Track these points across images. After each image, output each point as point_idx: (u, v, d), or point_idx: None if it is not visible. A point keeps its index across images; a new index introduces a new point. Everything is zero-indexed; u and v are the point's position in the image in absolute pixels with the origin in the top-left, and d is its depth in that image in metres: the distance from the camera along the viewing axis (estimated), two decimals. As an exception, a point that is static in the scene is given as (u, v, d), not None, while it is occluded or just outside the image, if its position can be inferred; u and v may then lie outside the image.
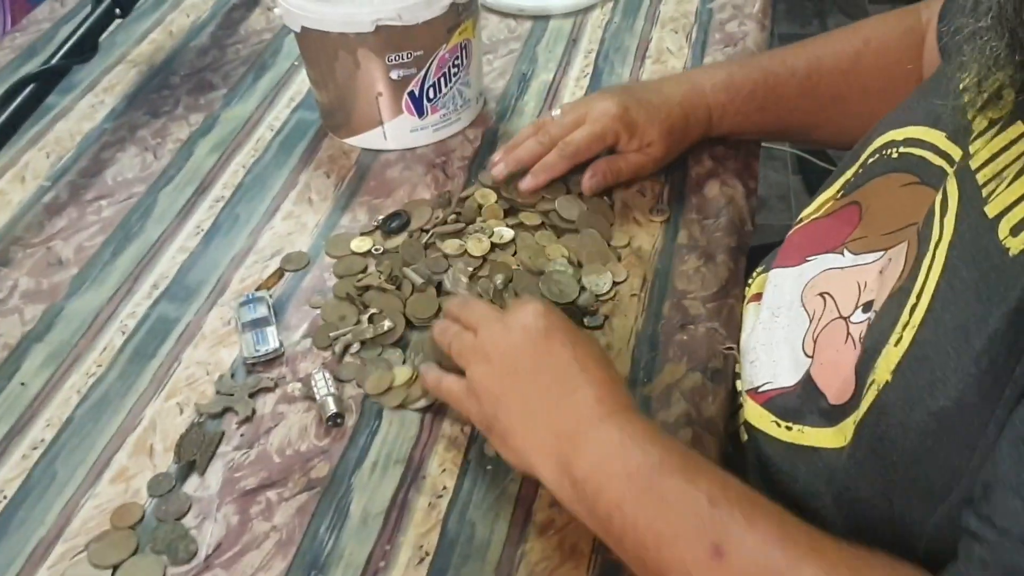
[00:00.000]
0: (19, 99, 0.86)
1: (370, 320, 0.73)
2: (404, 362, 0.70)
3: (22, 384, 0.72)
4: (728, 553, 0.48)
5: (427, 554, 0.59)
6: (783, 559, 0.47)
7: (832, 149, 0.90)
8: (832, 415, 0.57)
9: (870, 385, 0.52)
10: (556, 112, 0.82)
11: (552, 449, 0.55)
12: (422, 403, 0.68)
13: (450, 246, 0.78)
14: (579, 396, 0.56)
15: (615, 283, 0.76)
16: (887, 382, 0.51)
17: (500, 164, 0.82)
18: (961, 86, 0.59)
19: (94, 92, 1.03)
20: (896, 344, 0.51)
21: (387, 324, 0.72)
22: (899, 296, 0.54)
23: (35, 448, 0.67)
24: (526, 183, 0.80)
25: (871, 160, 0.66)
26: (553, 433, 0.56)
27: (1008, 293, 0.46)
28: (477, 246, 0.78)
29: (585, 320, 0.73)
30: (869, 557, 0.48)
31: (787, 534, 0.49)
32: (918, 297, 0.52)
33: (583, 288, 0.75)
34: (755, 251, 0.82)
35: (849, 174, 0.68)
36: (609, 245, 0.79)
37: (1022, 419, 0.44)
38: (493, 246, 0.78)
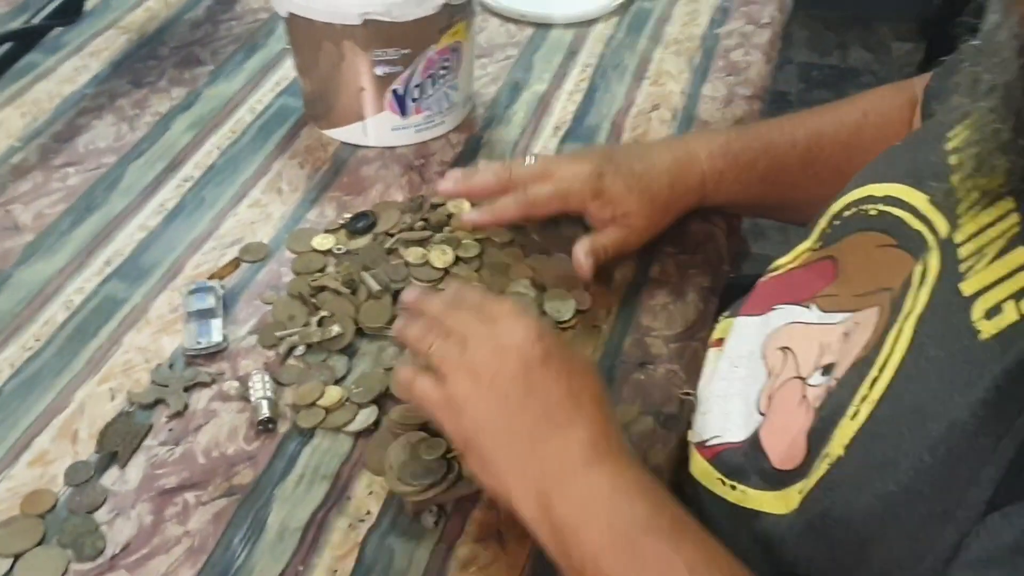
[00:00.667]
0: (-7, 55, 0.84)
1: (319, 323, 0.71)
2: (338, 382, 0.68)
3: (-45, 352, 0.70)
4: None
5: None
6: None
7: None
8: (775, 479, 0.54)
9: (823, 457, 0.50)
10: (531, 158, 0.76)
11: (535, 486, 0.53)
12: (351, 428, 0.65)
13: (413, 254, 0.76)
14: (570, 434, 0.53)
15: (578, 311, 0.73)
16: (840, 457, 0.49)
17: (449, 181, 0.76)
18: (948, 146, 0.56)
19: (80, 55, 1.01)
20: (852, 418, 0.49)
21: (336, 329, 0.70)
22: (861, 366, 0.51)
23: (-44, 421, 0.65)
24: (469, 215, 0.76)
25: (847, 213, 0.63)
26: (538, 470, 0.53)
27: (975, 380, 0.44)
28: (440, 257, 0.75)
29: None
30: None
31: None
32: (880, 370, 0.49)
33: (544, 313, 0.72)
34: (732, 289, 0.79)
35: (824, 224, 0.66)
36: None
37: (983, 546, 0.41)
38: (457, 259, 0.76)
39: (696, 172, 0.76)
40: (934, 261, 0.52)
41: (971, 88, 0.49)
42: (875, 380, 0.49)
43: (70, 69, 0.99)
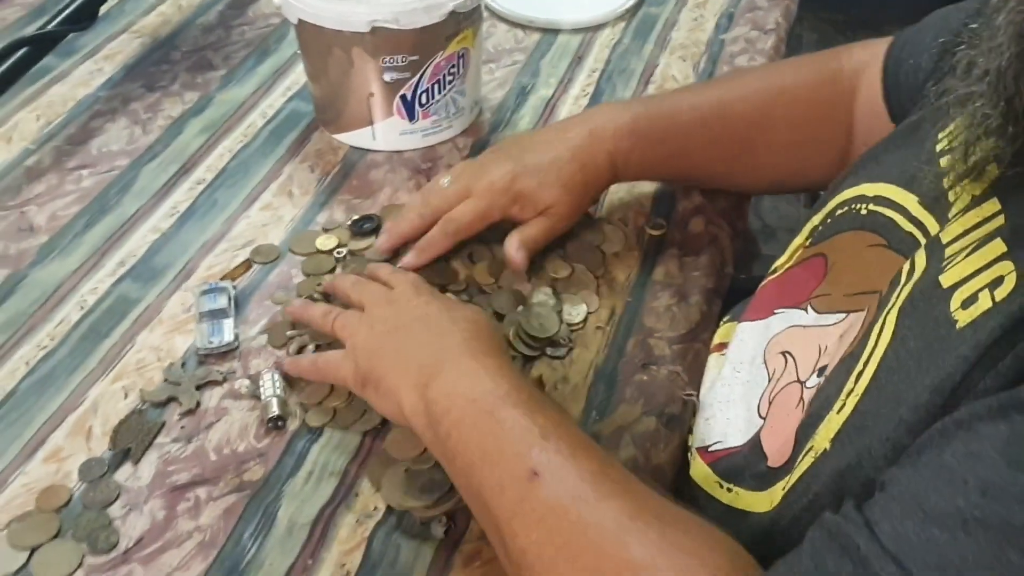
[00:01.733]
0: (10, 61, 0.86)
1: None
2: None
3: (-28, 350, 0.71)
4: (543, 476, 0.50)
5: (348, 573, 0.58)
6: (592, 492, 0.49)
7: (747, 194, 0.87)
8: (766, 478, 0.55)
9: (807, 451, 0.51)
10: (445, 180, 0.77)
11: (414, 379, 0.58)
12: (359, 427, 0.66)
13: None
14: (448, 339, 0.60)
15: (588, 313, 0.74)
16: (825, 450, 0.50)
17: (384, 236, 0.77)
18: (939, 147, 0.57)
19: (94, 59, 1.03)
20: (839, 411, 0.50)
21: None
22: (848, 362, 0.52)
23: (-26, 418, 0.67)
24: (408, 260, 0.75)
25: (839, 211, 0.64)
26: (418, 365, 0.59)
27: (943, 364, 0.45)
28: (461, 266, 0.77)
29: (548, 351, 0.71)
30: (679, 511, 0.49)
31: (604, 472, 0.50)
32: (865, 364, 0.50)
33: (560, 317, 0.73)
34: (736, 291, 0.80)
35: (816, 220, 0.66)
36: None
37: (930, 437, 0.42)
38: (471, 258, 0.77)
39: (603, 152, 0.76)
40: (921, 260, 0.53)
41: (965, 72, 0.49)
42: (860, 374, 0.50)
43: (84, 73, 1.01)
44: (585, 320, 0.74)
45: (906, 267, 0.53)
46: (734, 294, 0.79)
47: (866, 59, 0.75)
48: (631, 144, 0.76)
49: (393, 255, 0.78)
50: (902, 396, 0.46)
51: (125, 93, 0.98)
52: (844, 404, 0.50)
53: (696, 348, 0.73)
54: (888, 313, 0.51)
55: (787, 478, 0.52)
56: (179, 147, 0.91)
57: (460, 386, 0.56)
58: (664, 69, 1.01)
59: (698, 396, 0.69)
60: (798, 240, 0.69)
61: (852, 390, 0.50)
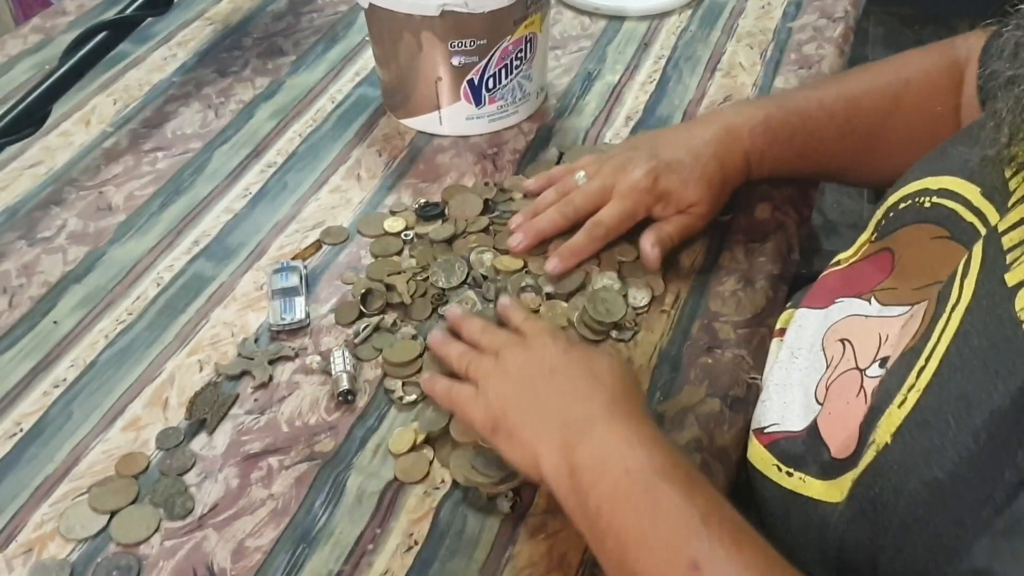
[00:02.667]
0: (90, 45, 0.88)
1: (393, 324, 0.73)
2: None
3: (54, 323, 0.74)
4: (704, 569, 0.47)
5: (416, 543, 0.59)
6: None
7: (865, 188, 0.86)
8: (831, 469, 0.55)
9: (870, 444, 0.51)
10: (580, 175, 0.77)
11: (557, 438, 0.55)
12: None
13: (479, 262, 0.78)
14: (593, 400, 0.56)
15: (653, 297, 0.74)
16: (886, 444, 0.49)
17: (519, 234, 0.77)
18: (993, 137, 0.56)
19: (168, 45, 1.05)
20: (900, 406, 0.50)
21: (408, 331, 0.72)
22: (910, 356, 0.52)
23: (56, 387, 0.69)
24: (552, 266, 0.75)
25: (903, 205, 0.63)
26: (560, 426, 0.55)
27: (1017, 368, 0.44)
28: (511, 262, 0.77)
29: (613, 334, 0.72)
30: None
31: (770, 568, 0.48)
32: (927, 360, 0.50)
33: (626, 300, 0.73)
34: (801, 278, 0.79)
35: (879, 215, 0.66)
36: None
37: (1009, 518, 0.42)
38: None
39: (740, 151, 0.76)
40: (978, 250, 0.52)
41: (1013, 54, 0.48)
42: (922, 369, 0.49)
43: (159, 58, 1.03)
44: (650, 303, 0.74)
45: (964, 260, 0.52)
46: (795, 286, 0.79)
47: (976, 45, 0.73)
48: (766, 142, 0.76)
49: (452, 237, 0.79)
50: (969, 396, 0.46)
51: (198, 78, 1.00)
52: (905, 399, 0.49)
53: (762, 333, 0.72)
54: (953, 310, 0.50)
55: (852, 471, 0.52)
56: (250, 131, 0.93)
57: (611, 454, 0.53)
58: (731, 56, 1.00)
59: (761, 378, 0.69)
60: (864, 236, 0.68)
61: (913, 385, 0.49)
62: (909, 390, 0.49)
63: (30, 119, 0.84)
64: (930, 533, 0.46)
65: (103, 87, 0.99)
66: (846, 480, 0.52)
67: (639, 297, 0.74)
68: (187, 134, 0.93)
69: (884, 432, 0.50)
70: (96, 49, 0.90)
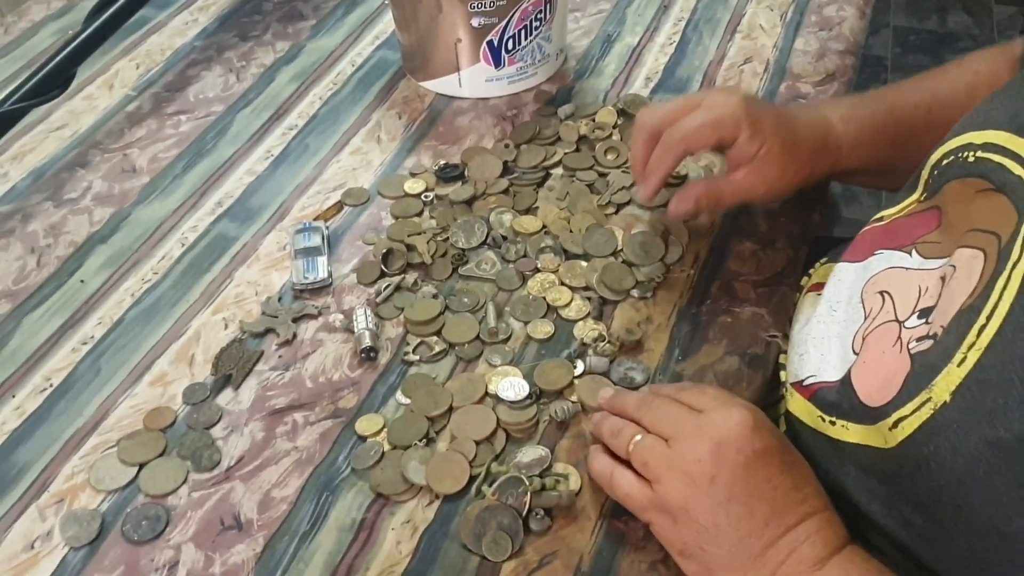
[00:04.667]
0: (112, 9, 0.89)
1: (413, 284, 0.74)
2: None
3: (82, 281, 0.75)
4: None
5: (437, 497, 0.60)
6: None
7: None
8: (865, 414, 0.55)
9: (925, 402, 0.50)
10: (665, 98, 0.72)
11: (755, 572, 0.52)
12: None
13: (499, 223, 0.78)
14: (800, 533, 0.53)
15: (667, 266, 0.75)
16: (945, 402, 0.49)
17: (640, 188, 0.72)
18: None
19: (189, 10, 1.06)
20: (959, 364, 0.49)
21: (429, 290, 0.73)
22: (968, 314, 0.51)
23: (84, 343, 0.70)
24: (641, 193, 0.72)
25: (946, 162, 0.62)
26: (769, 574, 0.52)
27: None
28: (531, 223, 0.78)
29: (633, 292, 0.72)
30: None
31: None
32: (988, 318, 0.49)
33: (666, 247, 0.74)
34: (823, 242, 0.79)
35: (926, 174, 0.65)
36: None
37: None
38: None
39: (833, 135, 0.72)
40: None
41: None
42: (983, 328, 0.49)
43: (180, 23, 1.04)
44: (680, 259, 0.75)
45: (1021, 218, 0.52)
46: (817, 246, 0.78)
47: None
48: (857, 129, 0.72)
49: (472, 197, 0.79)
50: None
51: (220, 42, 1.01)
52: (965, 357, 0.49)
53: (782, 291, 0.73)
54: (1014, 268, 0.49)
55: (896, 422, 0.51)
56: (272, 94, 0.94)
57: None
58: (751, 18, 1.00)
59: (789, 334, 0.68)
60: (913, 196, 0.67)
61: (974, 344, 0.49)
62: (969, 349, 0.49)
63: (55, 82, 0.85)
64: (990, 491, 0.46)
65: (126, 51, 1.00)
66: (885, 426, 0.52)
67: (672, 254, 0.75)
68: (209, 97, 0.94)
69: (942, 390, 0.49)
70: (118, 13, 0.91)
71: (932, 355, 0.52)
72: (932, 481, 0.50)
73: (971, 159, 0.60)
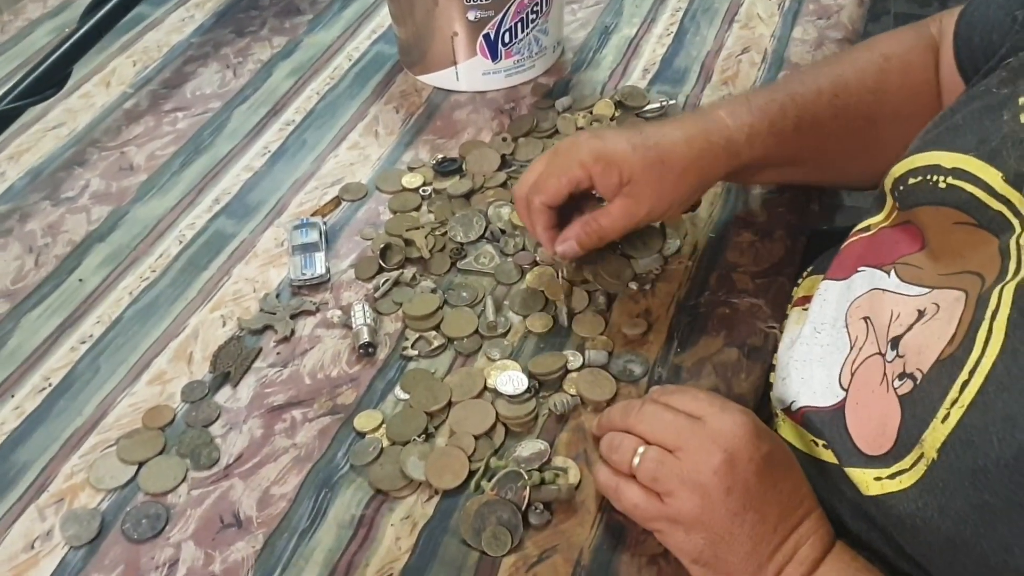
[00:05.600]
0: (108, 7, 0.89)
1: (412, 279, 0.74)
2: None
3: (80, 280, 0.75)
4: None
5: (436, 493, 0.60)
6: None
7: (868, 185, 0.77)
8: (859, 460, 0.54)
9: (919, 458, 0.49)
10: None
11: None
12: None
13: (498, 216, 0.78)
14: (801, 534, 0.53)
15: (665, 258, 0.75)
16: (933, 460, 0.48)
17: (558, 245, 0.69)
18: (1022, 117, 0.53)
19: (186, 7, 1.06)
20: (943, 421, 0.48)
21: (428, 284, 0.73)
22: (950, 366, 0.50)
23: (83, 342, 0.70)
24: (546, 251, 0.70)
25: (913, 181, 0.59)
26: (775, 573, 0.53)
27: None
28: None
29: (633, 285, 0.72)
30: None
31: None
32: (971, 374, 0.48)
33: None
34: (824, 235, 0.78)
35: (890, 184, 0.62)
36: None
37: None
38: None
39: (721, 133, 0.67)
40: (1015, 249, 0.50)
41: None
42: (965, 383, 0.48)
43: (177, 19, 1.04)
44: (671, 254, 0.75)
45: (1011, 266, 0.50)
46: (818, 244, 0.77)
47: (948, 23, 0.70)
48: (752, 118, 0.68)
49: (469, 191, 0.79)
50: (1016, 417, 0.45)
51: (216, 39, 1.01)
52: (948, 414, 0.48)
53: (780, 282, 0.72)
54: (995, 318, 0.48)
55: (893, 474, 0.51)
56: (269, 89, 0.93)
57: None
58: (748, 8, 0.99)
59: (777, 352, 0.67)
60: (889, 201, 0.66)
61: (956, 400, 0.48)
62: (952, 405, 0.48)
63: (51, 80, 0.85)
64: (977, 554, 0.46)
65: (122, 49, 1.00)
66: (876, 474, 0.52)
67: (671, 246, 0.75)
68: (206, 94, 0.93)
69: (930, 447, 0.48)
70: (114, 11, 0.91)
71: (919, 405, 0.51)
72: (920, 539, 0.49)
73: (942, 185, 0.57)
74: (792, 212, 0.78)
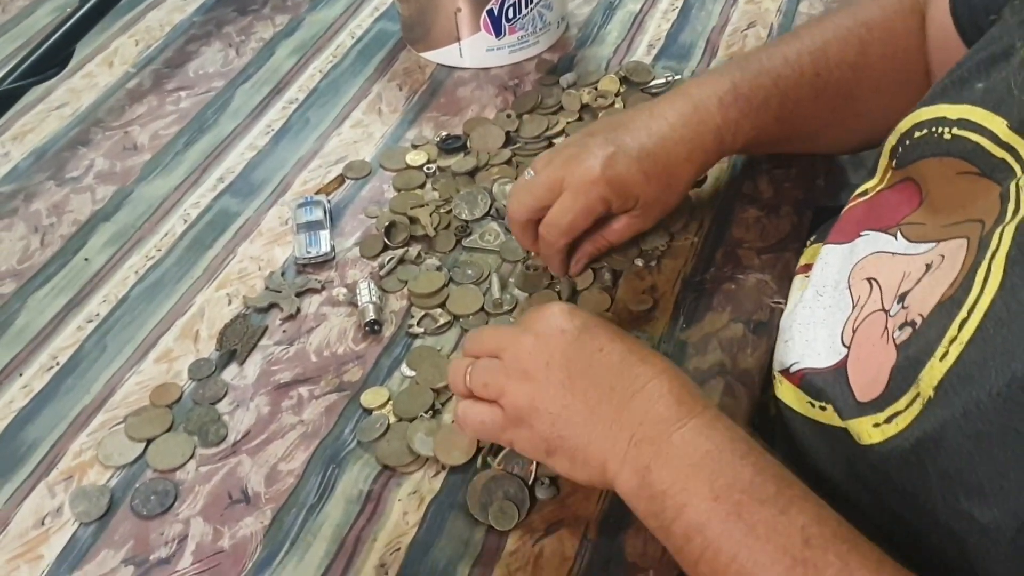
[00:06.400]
0: (109, -16, 0.89)
1: (417, 256, 0.74)
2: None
3: (86, 259, 0.75)
4: None
5: (443, 468, 0.60)
6: None
7: (832, 154, 0.78)
8: (853, 410, 0.54)
9: (915, 398, 0.49)
10: (530, 172, 0.69)
11: (629, 457, 0.51)
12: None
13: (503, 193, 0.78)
14: (651, 391, 0.52)
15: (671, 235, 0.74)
16: (929, 398, 0.48)
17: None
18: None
19: (188, -16, 1.05)
20: (941, 359, 0.48)
21: (432, 263, 0.73)
22: (949, 306, 0.50)
23: (90, 321, 0.70)
24: (556, 273, 0.72)
25: (918, 134, 0.60)
26: (628, 438, 0.51)
27: None
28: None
29: (637, 261, 0.72)
30: None
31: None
32: (970, 311, 0.48)
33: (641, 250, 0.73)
34: (828, 211, 0.78)
35: (893, 140, 0.62)
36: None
37: None
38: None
39: (711, 129, 0.68)
40: (1015, 192, 0.50)
41: None
42: (964, 321, 0.48)
43: (179, -2, 1.04)
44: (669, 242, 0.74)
45: (1010, 207, 0.50)
46: (821, 218, 0.77)
47: None
48: (739, 111, 0.68)
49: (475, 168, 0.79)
50: (1014, 349, 0.44)
51: (218, 17, 1.00)
52: (947, 352, 0.48)
53: (786, 257, 0.72)
54: (994, 257, 0.48)
55: (888, 417, 0.51)
56: (272, 68, 0.93)
57: (693, 476, 0.49)
58: (754, -18, 0.99)
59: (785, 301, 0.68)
60: (883, 161, 0.66)
61: (955, 338, 0.48)
62: (951, 343, 0.48)
63: (54, 60, 0.85)
64: (977, 483, 0.45)
65: (125, 28, 1.00)
66: (878, 419, 0.51)
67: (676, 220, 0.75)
68: (209, 73, 0.93)
69: (927, 386, 0.48)
70: (116, -11, 0.90)
71: (915, 347, 0.51)
72: (918, 475, 0.49)
73: (947, 136, 0.57)
74: (798, 188, 0.78)
